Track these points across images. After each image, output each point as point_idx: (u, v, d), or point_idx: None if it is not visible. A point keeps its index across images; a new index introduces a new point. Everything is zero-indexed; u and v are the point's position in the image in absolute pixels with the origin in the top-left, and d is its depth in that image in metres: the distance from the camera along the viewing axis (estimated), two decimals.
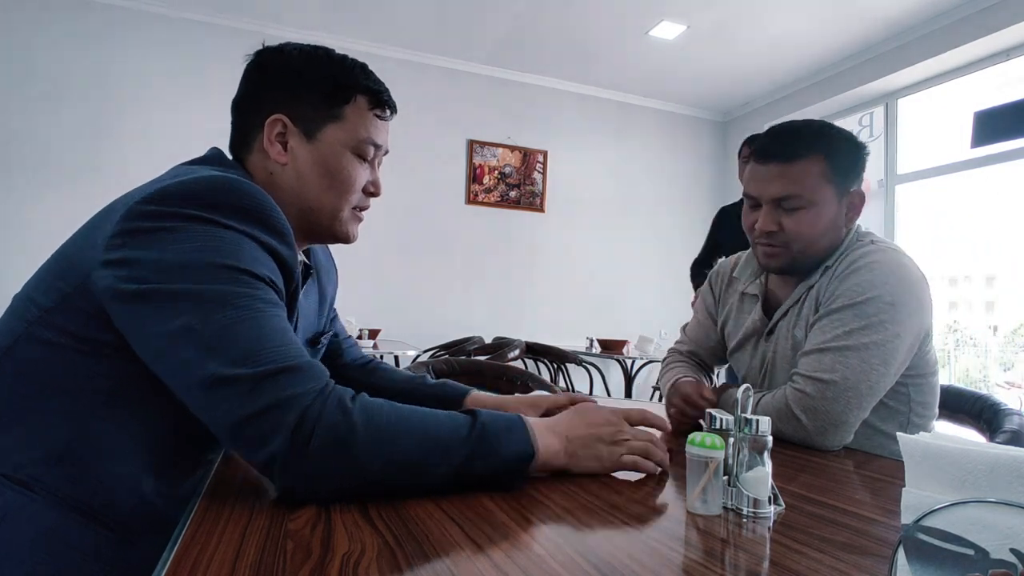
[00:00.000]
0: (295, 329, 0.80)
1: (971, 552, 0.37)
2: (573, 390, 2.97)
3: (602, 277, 4.92)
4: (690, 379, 1.21)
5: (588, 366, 3.50)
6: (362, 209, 0.89)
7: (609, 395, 4.19)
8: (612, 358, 4.12)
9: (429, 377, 1.06)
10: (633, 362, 4.04)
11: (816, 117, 4.71)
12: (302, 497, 0.61)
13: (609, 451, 0.73)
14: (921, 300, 1.03)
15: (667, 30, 3.93)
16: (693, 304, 2.43)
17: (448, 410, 0.69)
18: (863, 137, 4.45)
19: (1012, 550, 0.36)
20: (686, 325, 1.45)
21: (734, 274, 1.29)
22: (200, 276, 0.62)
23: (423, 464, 0.63)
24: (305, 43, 0.85)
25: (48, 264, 0.73)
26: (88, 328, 0.66)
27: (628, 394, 4.09)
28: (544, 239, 4.76)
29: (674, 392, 1.12)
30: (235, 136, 0.85)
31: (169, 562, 0.46)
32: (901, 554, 0.39)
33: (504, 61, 4.52)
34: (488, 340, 3.78)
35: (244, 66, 0.85)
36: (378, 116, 0.85)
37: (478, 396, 1.00)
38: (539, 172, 4.76)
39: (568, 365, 3.39)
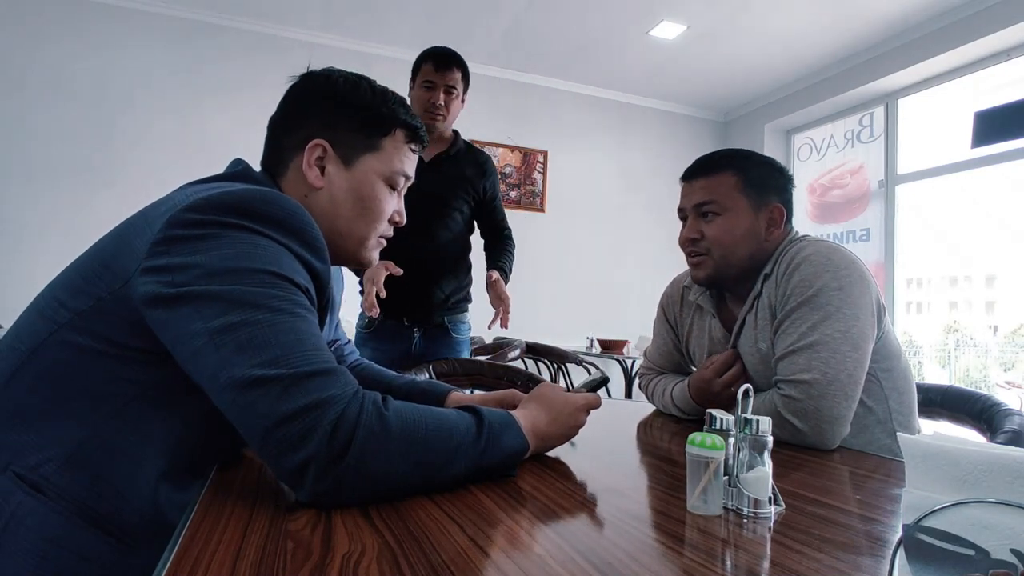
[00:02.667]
0: None
1: (971, 552, 0.37)
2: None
3: (602, 277, 4.92)
4: (683, 381, 1.26)
5: (588, 366, 3.49)
6: (384, 237, 0.92)
7: (610, 395, 4.18)
8: (612, 358, 4.11)
9: (415, 377, 1.08)
10: (633, 362, 4.04)
11: (817, 117, 4.77)
12: (328, 503, 0.60)
13: (569, 422, 0.82)
14: (864, 276, 1.09)
15: (667, 30, 3.93)
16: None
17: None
18: (863, 137, 4.46)
19: (1012, 550, 0.36)
20: (647, 350, 1.51)
21: (684, 284, 1.35)
22: (239, 279, 0.63)
23: (444, 465, 0.65)
24: (349, 71, 0.88)
25: (78, 267, 0.73)
26: (120, 333, 0.67)
27: (628, 394, 4.09)
28: (544, 239, 4.75)
29: (707, 382, 1.18)
30: (270, 154, 0.87)
31: (169, 562, 0.46)
32: (901, 554, 0.39)
33: (504, 61, 4.52)
34: (488, 340, 3.78)
35: (288, 86, 0.87)
36: (412, 150, 0.89)
37: (457, 395, 1.02)
38: (539, 172, 4.76)
39: (568, 365, 3.38)
